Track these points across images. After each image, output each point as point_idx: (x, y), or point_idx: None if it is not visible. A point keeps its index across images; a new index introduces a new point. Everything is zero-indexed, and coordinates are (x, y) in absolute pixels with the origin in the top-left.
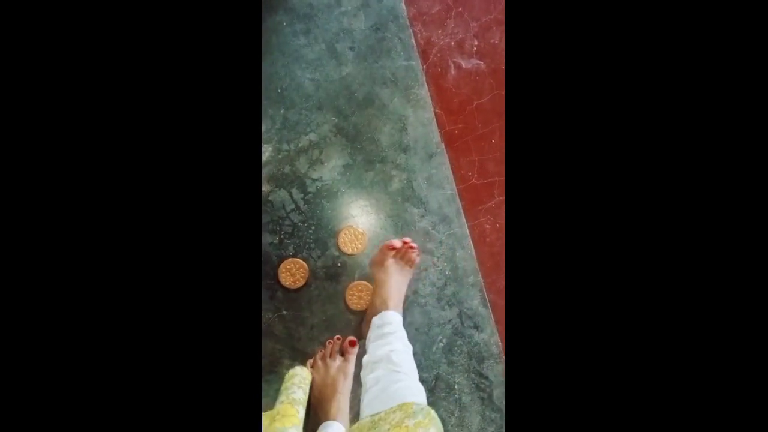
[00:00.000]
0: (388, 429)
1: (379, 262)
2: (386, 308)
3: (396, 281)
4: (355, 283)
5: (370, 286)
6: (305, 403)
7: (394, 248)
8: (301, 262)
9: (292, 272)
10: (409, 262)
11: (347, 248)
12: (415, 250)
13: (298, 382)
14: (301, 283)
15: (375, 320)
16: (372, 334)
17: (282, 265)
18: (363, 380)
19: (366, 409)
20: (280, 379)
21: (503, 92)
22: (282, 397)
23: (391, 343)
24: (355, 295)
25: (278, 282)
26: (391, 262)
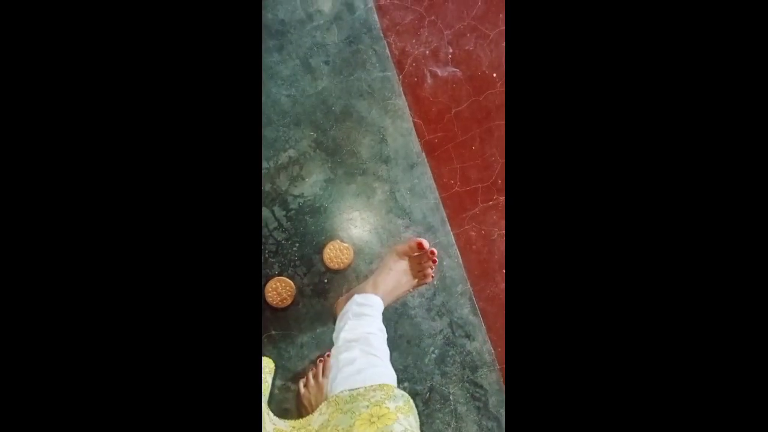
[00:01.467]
0: (367, 406)
1: (400, 252)
2: (375, 293)
3: (399, 278)
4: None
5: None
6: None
7: (422, 247)
8: (288, 280)
9: (279, 291)
10: (420, 273)
11: (333, 264)
12: (433, 264)
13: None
14: (288, 302)
15: (357, 297)
16: (350, 311)
17: (268, 285)
18: (334, 359)
19: (338, 387)
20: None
21: (480, 98)
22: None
23: (370, 325)
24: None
25: (265, 302)
26: (406, 260)
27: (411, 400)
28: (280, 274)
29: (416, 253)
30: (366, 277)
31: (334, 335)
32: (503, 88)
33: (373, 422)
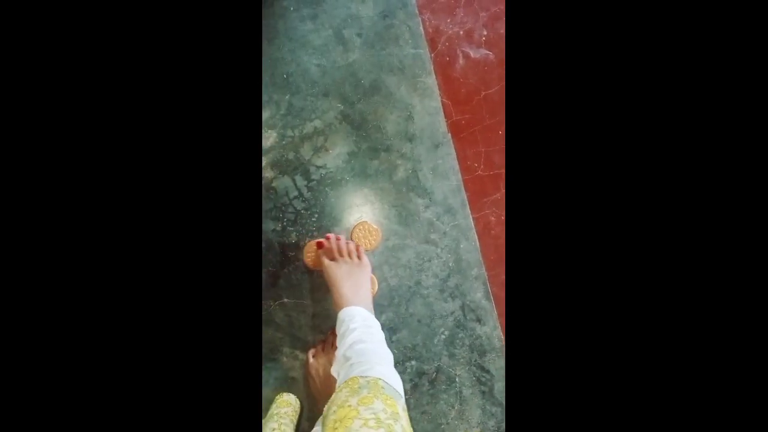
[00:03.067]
0: (335, 411)
1: (322, 263)
2: (339, 308)
3: (341, 279)
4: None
5: (373, 277)
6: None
7: (319, 245)
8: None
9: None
10: (351, 254)
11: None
12: (342, 241)
13: (275, 411)
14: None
15: (336, 327)
16: (338, 342)
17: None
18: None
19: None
20: (280, 367)
21: None
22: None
23: (345, 343)
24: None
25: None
26: (327, 263)
27: (379, 380)
28: (297, 243)
29: (321, 251)
30: (386, 258)
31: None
32: None
33: (336, 428)
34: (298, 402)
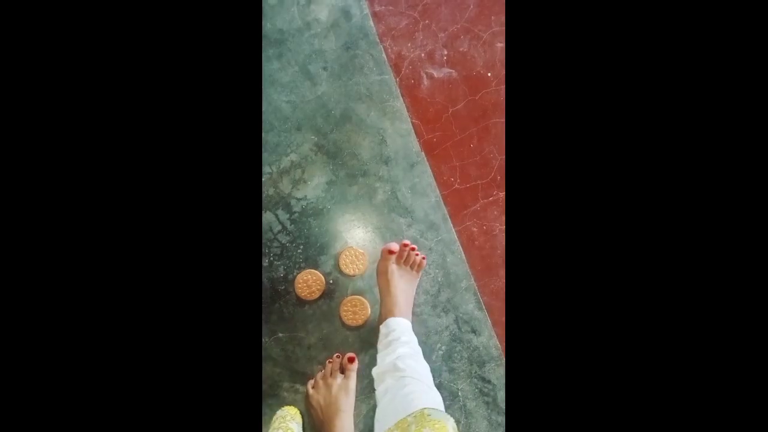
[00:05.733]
0: None
1: (382, 269)
2: (392, 315)
3: (399, 287)
4: (349, 298)
5: (364, 300)
6: None
7: (391, 252)
8: (318, 273)
9: (309, 284)
10: (414, 266)
11: (348, 270)
12: (416, 251)
13: (277, 425)
14: (316, 295)
15: (381, 328)
16: (380, 344)
17: (299, 277)
18: (376, 395)
19: (377, 425)
20: (282, 402)
21: (476, 97)
22: None
23: (395, 351)
24: (350, 311)
25: (295, 294)
26: (393, 268)
27: (447, 420)
28: (285, 277)
29: (392, 258)
30: (375, 280)
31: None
32: (498, 87)
33: None
34: (287, 409)
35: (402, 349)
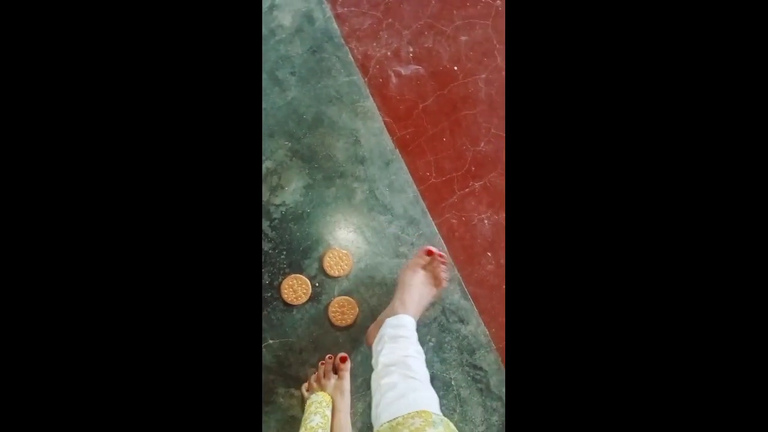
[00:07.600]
0: None
1: (412, 265)
2: (405, 312)
3: (420, 290)
4: (336, 299)
5: (352, 300)
6: (326, 426)
7: (429, 253)
8: (304, 278)
9: (294, 288)
10: (436, 280)
11: (333, 271)
12: (443, 265)
13: (314, 409)
14: (303, 300)
15: (390, 320)
16: (385, 334)
17: (284, 282)
18: (375, 384)
19: (382, 414)
20: (279, 409)
21: (445, 92)
22: (301, 430)
23: (406, 348)
24: (338, 312)
25: (282, 300)
26: (421, 270)
27: (450, 424)
28: (271, 284)
29: (427, 260)
30: (360, 279)
31: (373, 361)
32: (466, 80)
33: None
34: (320, 395)
35: (413, 348)
